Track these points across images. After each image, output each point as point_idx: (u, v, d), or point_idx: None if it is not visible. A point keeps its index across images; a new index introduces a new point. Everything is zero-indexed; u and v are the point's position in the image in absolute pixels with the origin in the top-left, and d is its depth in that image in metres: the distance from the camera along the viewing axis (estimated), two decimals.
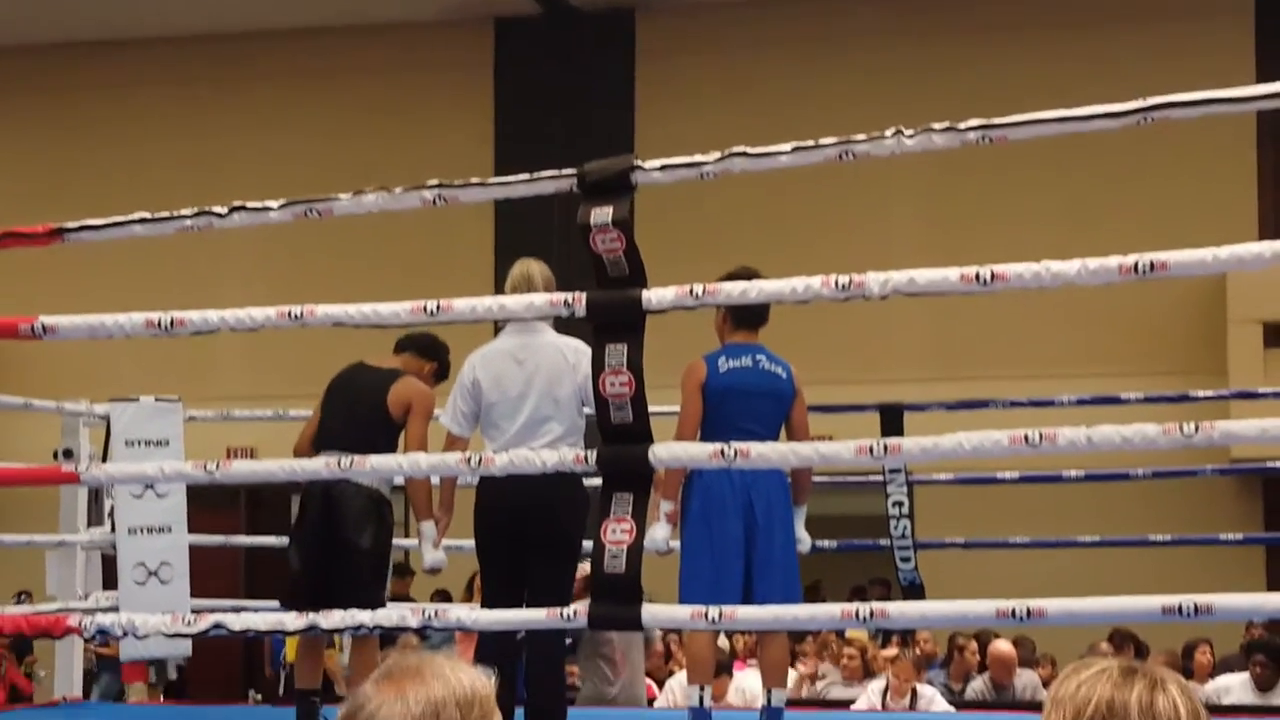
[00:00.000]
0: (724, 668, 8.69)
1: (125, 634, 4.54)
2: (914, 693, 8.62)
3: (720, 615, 4.24)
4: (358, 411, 6.13)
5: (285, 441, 6.49)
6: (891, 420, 8.05)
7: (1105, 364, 14.03)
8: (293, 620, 4.43)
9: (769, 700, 5.66)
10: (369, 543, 6.07)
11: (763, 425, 5.60)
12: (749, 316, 5.74)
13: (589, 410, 5.60)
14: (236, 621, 4.52)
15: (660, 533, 5.49)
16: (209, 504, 12.58)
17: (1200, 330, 14.28)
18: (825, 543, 7.53)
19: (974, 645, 9.81)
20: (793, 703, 6.29)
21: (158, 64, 16.66)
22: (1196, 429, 3.87)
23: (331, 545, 6.04)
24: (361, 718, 2.06)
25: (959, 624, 8.76)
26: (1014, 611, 3.89)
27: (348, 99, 16.33)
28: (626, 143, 14.91)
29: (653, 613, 4.31)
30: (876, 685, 8.91)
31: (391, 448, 6.08)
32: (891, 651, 9.59)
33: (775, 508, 5.62)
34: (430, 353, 6.39)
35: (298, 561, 6.11)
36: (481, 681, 2.13)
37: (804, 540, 5.85)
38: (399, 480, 6.15)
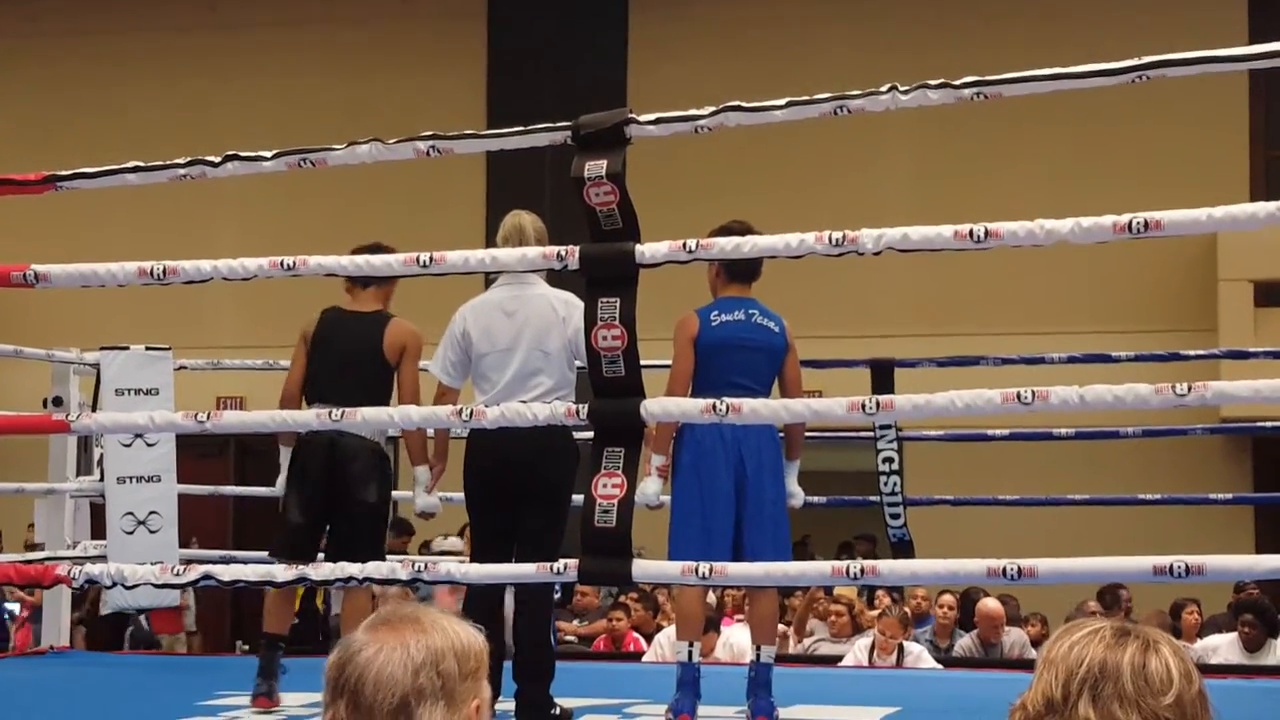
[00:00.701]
0: (712, 623, 8.71)
1: (114, 583, 4.53)
2: (901, 649, 8.65)
3: (711, 571, 4.25)
4: (353, 362, 6.08)
5: (275, 391, 6.46)
6: (882, 376, 8.04)
7: (1096, 321, 14.06)
8: (282, 572, 4.43)
9: (758, 656, 5.67)
10: (375, 497, 6.08)
11: (755, 380, 5.59)
12: (742, 270, 5.72)
13: (580, 363, 5.61)
14: (226, 572, 4.51)
15: (651, 487, 5.50)
16: (198, 453, 12.59)
17: (1191, 288, 14.31)
18: (814, 498, 7.54)
19: (948, 600, 9.81)
20: (781, 659, 6.29)
21: (146, 11, 16.58)
22: (1189, 389, 3.87)
23: (335, 499, 6.03)
24: (360, 661, 2.06)
25: (949, 582, 8.79)
26: (1005, 570, 3.89)
27: (342, 47, 16.29)
28: (619, 91, 14.88)
29: (643, 568, 4.31)
30: (864, 642, 8.94)
31: (388, 395, 6.07)
32: (876, 611, 9.62)
33: (766, 462, 5.61)
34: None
35: (299, 515, 6.08)
36: (476, 636, 2.14)
37: (797, 495, 5.85)
38: (393, 430, 6.13)
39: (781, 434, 5.83)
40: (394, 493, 6.47)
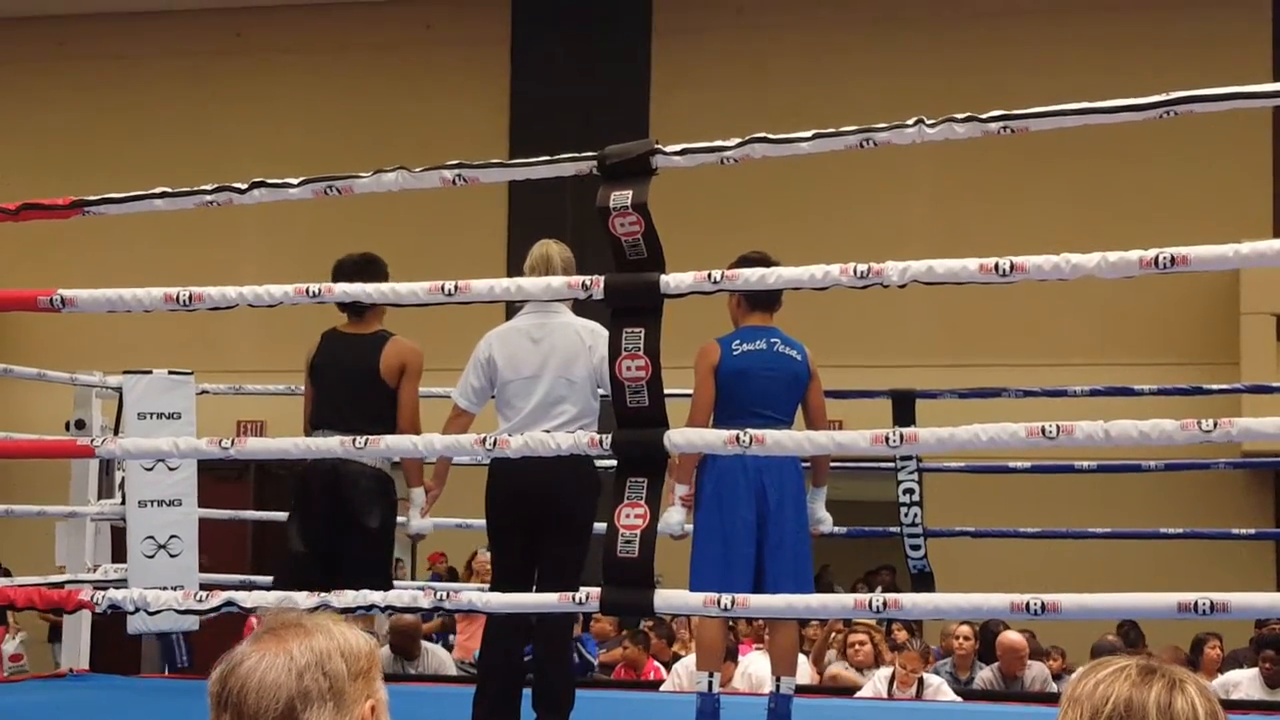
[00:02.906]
0: (730, 652, 8.69)
1: (137, 609, 4.54)
2: (920, 681, 8.62)
3: (733, 603, 4.24)
4: (352, 385, 6.08)
5: (296, 416, 6.49)
6: (903, 407, 8.03)
7: (1117, 353, 14.03)
8: (305, 599, 4.43)
9: (778, 687, 5.67)
10: (377, 523, 6.07)
11: (777, 409, 5.59)
12: (763, 299, 5.73)
13: (604, 392, 5.61)
14: (248, 599, 4.52)
15: (675, 516, 5.51)
16: (218, 476, 12.59)
17: (1213, 321, 14.28)
18: (835, 528, 7.52)
19: (965, 631, 9.76)
20: (800, 689, 6.28)
21: (173, 36, 16.68)
22: (1215, 425, 3.84)
23: (338, 526, 6.03)
24: (241, 672, 2.00)
25: (972, 616, 8.75)
26: (1028, 605, 3.87)
27: (365, 73, 16.35)
28: (641, 119, 14.92)
29: (665, 598, 4.30)
30: (883, 673, 8.91)
31: (391, 416, 6.06)
32: (899, 642, 9.58)
33: (788, 493, 5.61)
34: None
35: (301, 543, 6.08)
36: (365, 637, 2.09)
37: (825, 521, 5.86)
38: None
39: (806, 462, 5.84)
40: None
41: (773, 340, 5.70)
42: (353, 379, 6.09)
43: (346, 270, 6.01)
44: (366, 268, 6.02)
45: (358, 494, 6.02)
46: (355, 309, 6.18)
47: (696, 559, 5.59)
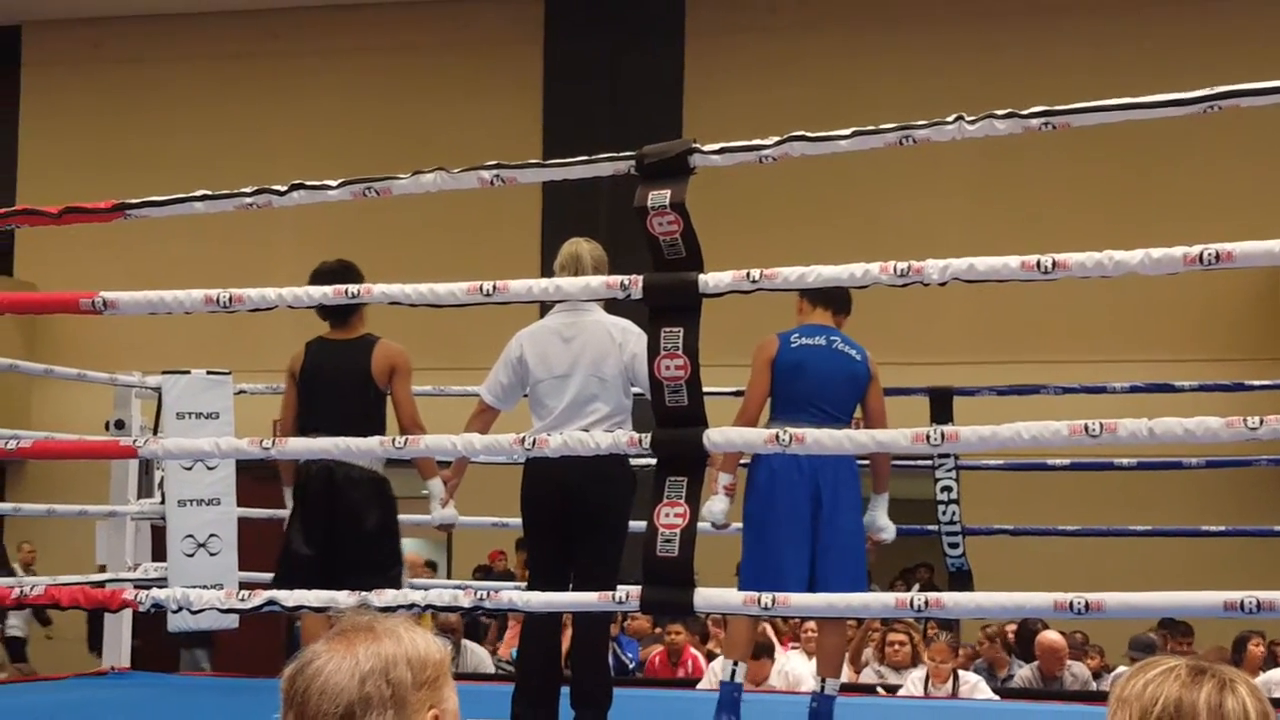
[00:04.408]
0: (766, 650, 8.67)
1: (180, 608, 4.56)
2: (956, 677, 8.58)
3: (774, 602, 4.22)
4: (344, 390, 6.14)
5: None
6: (941, 404, 8.00)
7: (1157, 348, 13.95)
8: (345, 598, 4.44)
9: (823, 687, 5.66)
10: (376, 524, 6.11)
11: (835, 406, 5.57)
12: (824, 299, 5.74)
13: (636, 389, 5.61)
14: (290, 598, 4.52)
15: (718, 505, 5.51)
16: (255, 476, 12.59)
17: (1254, 315, 14.20)
18: None
19: (989, 631, 9.73)
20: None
21: (207, 39, 16.74)
22: (1261, 423, 3.80)
23: (337, 529, 6.07)
24: (309, 672, 2.02)
25: (1014, 615, 8.72)
26: (1072, 604, 3.83)
27: (397, 74, 16.39)
28: (674, 119, 14.90)
29: (705, 597, 4.28)
30: (919, 674, 8.88)
31: (383, 419, 6.11)
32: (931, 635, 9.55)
33: (842, 494, 5.58)
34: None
35: (303, 546, 6.12)
36: (436, 645, 2.10)
37: (888, 529, 5.83)
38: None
39: (862, 463, 5.80)
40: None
41: (832, 339, 5.70)
42: (344, 384, 6.17)
43: (325, 277, 6.02)
44: (344, 274, 6.02)
45: (355, 496, 6.08)
46: (340, 315, 6.27)
47: (747, 558, 5.58)
